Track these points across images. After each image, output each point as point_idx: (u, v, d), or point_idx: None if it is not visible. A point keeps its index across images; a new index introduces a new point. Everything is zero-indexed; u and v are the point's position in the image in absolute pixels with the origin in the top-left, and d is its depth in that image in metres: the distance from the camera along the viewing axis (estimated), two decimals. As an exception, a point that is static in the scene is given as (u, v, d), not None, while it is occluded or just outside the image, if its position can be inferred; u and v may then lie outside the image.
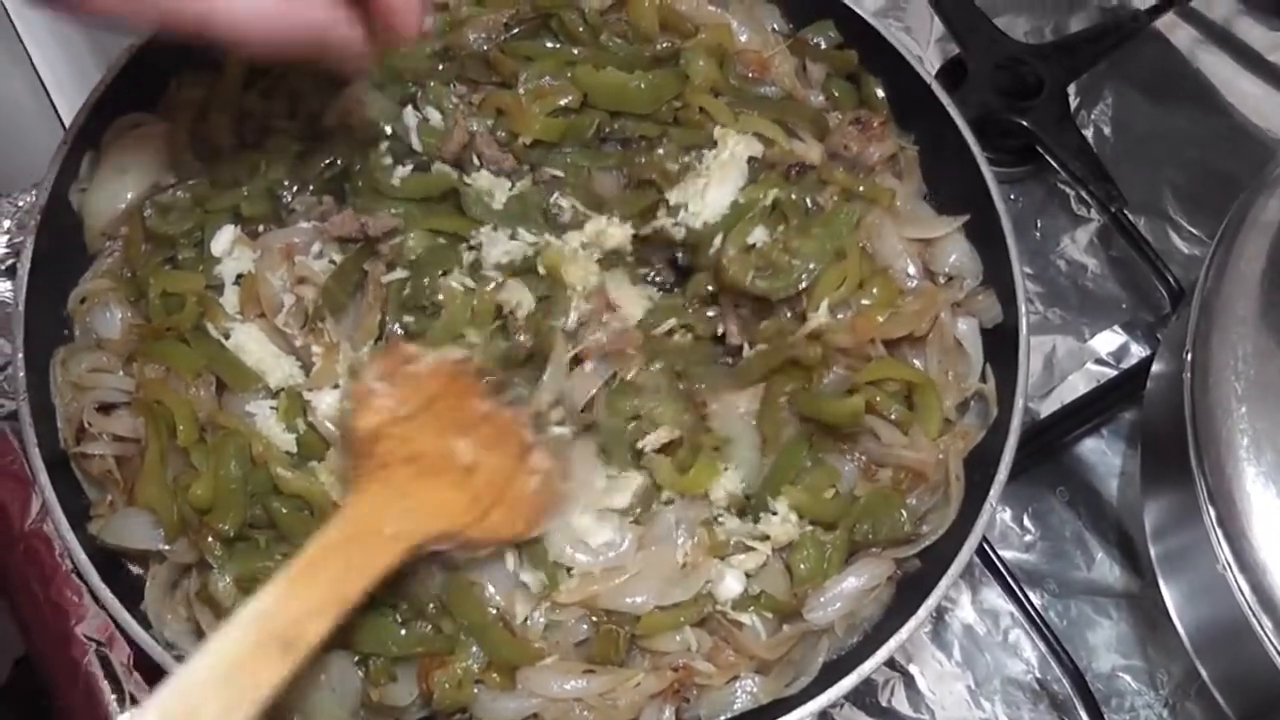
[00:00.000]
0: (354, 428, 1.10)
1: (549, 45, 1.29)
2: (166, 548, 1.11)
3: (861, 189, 1.24)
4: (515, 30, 1.30)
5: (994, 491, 1.12)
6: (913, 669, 1.30)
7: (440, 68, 1.27)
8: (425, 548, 1.06)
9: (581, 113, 1.25)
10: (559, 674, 1.07)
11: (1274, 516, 1.02)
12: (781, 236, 1.21)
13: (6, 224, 1.38)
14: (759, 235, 1.21)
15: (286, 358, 1.17)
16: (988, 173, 1.23)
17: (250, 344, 1.16)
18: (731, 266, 1.18)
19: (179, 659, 1.05)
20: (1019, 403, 1.15)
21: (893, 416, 1.16)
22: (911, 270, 1.23)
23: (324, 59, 1.02)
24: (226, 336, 1.16)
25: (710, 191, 1.22)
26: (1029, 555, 1.36)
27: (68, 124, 1.23)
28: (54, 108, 1.51)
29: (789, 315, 1.20)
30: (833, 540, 1.13)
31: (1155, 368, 1.28)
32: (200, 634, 1.08)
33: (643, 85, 1.25)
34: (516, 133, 1.23)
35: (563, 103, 1.23)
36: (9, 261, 1.36)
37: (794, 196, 1.23)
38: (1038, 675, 1.31)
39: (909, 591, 1.14)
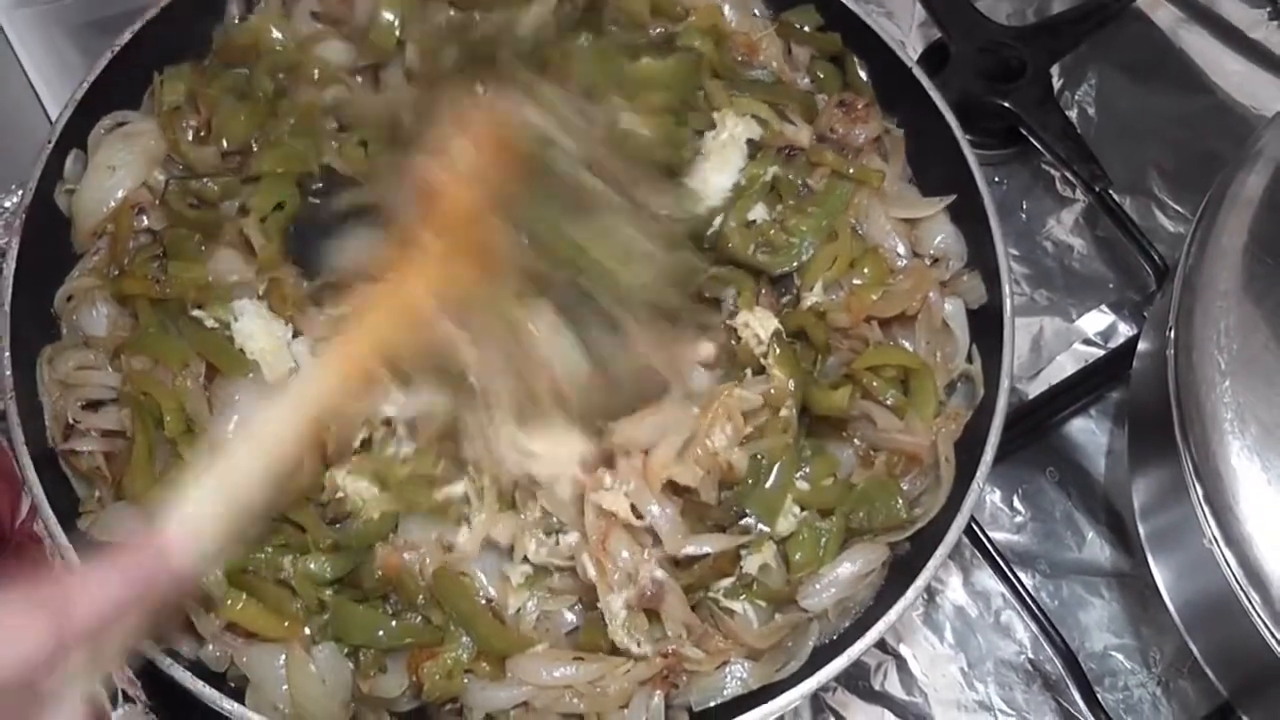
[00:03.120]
0: (441, 180, 1.07)
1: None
2: (156, 542, 1.11)
3: (850, 170, 1.25)
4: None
5: (981, 472, 1.12)
6: (905, 651, 1.30)
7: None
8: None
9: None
10: (548, 662, 1.07)
11: (1259, 490, 1.03)
12: (779, 216, 1.23)
13: (-9, 223, 1.38)
14: (759, 212, 1.23)
15: (290, 343, 1.15)
16: (971, 156, 1.24)
17: (257, 330, 1.14)
18: (734, 238, 1.20)
19: (171, 655, 1.05)
20: (1005, 383, 1.16)
21: (889, 401, 1.17)
22: (901, 249, 1.24)
23: None
24: (227, 327, 1.15)
25: (712, 175, 1.23)
26: (1019, 536, 1.36)
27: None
28: (42, 107, 1.50)
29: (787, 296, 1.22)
30: (829, 527, 1.13)
31: (1141, 346, 1.28)
32: (192, 629, 1.07)
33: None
34: None
35: None
36: (-6, 261, 1.36)
37: (790, 176, 1.24)
38: (1030, 656, 1.31)
39: (899, 574, 1.14)
